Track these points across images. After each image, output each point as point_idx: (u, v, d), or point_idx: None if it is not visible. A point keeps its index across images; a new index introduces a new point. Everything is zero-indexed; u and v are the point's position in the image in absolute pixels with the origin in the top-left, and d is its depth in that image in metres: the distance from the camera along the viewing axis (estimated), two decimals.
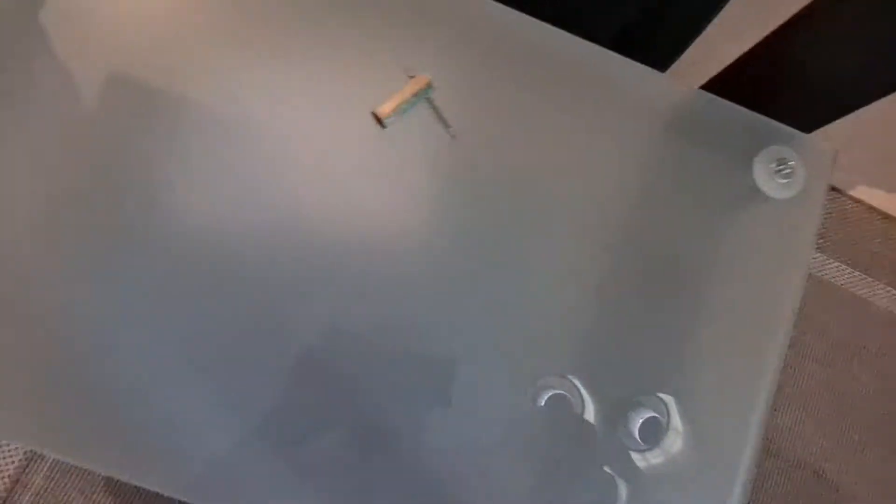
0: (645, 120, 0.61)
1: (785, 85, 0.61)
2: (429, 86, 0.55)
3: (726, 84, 0.69)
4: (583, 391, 0.54)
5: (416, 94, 0.54)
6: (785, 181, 0.59)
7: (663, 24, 0.74)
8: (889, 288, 1.46)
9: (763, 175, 0.59)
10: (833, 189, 1.55)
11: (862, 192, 1.55)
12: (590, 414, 0.54)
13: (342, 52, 0.55)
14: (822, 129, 0.66)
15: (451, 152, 0.56)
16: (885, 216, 1.54)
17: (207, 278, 0.51)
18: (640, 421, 0.55)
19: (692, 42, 0.73)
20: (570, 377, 0.54)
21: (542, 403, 0.53)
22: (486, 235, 0.56)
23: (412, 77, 0.55)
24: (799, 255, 0.59)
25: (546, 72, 0.59)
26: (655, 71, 0.61)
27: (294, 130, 0.54)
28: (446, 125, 0.55)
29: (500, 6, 0.59)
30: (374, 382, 0.52)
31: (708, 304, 0.59)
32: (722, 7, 0.67)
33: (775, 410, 1.35)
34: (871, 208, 1.54)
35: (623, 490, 0.54)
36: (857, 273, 1.47)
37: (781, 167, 0.59)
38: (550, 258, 0.56)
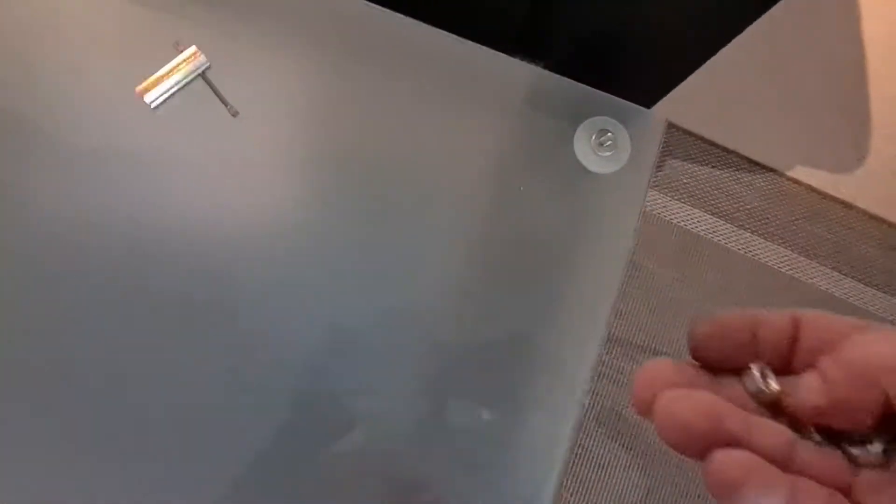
0: (467, 94, 0.57)
1: (618, 56, 0.57)
2: (200, 59, 0.51)
3: (573, 62, 0.65)
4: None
5: (186, 70, 0.50)
6: (608, 154, 0.55)
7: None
8: (828, 269, 1.42)
9: (584, 149, 0.55)
10: (771, 170, 1.50)
11: (799, 173, 1.50)
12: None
13: (100, 21, 0.51)
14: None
15: (232, 130, 0.51)
16: (825, 195, 1.50)
17: None
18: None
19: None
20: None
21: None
22: (273, 214, 0.52)
23: (181, 51, 0.50)
24: (619, 235, 0.55)
25: (346, 45, 0.55)
26: (472, 42, 0.57)
27: (49, 118, 0.50)
28: (225, 102, 0.51)
29: None
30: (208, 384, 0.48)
31: (534, 287, 0.55)
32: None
33: None
34: (811, 188, 1.50)
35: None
36: (794, 255, 1.43)
37: (603, 140, 0.55)
38: (357, 238, 0.52)
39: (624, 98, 0.58)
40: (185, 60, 0.50)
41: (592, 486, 1.30)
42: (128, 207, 0.49)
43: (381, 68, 0.56)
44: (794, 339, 0.23)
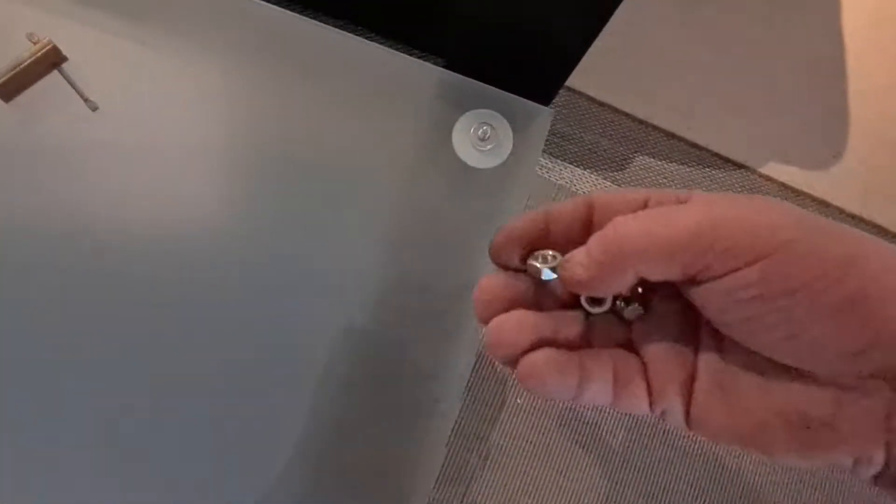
0: (352, 90, 0.55)
1: (506, 50, 0.55)
2: (57, 53, 0.49)
3: (468, 58, 0.63)
4: None
5: (39, 63, 0.49)
6: (489, 147, 0.53)
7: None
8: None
9: (462, 143, 0.53)
10: (742, 166, 1.47)
11: (772, 170, 1.47)
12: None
13: None
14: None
15: (91, 126, 0.50)
16: (799, 193, 1.46)
17: None
18: None
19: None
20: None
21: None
22: (146, 208, 0.50)
23: (36, 43, 0.49)
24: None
25: (224, 39, 0.53)
26: (355, 36, 0.55)
27: None
28: (83, 97, 0.50)
29: None
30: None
31: (412, 287, 0.53)
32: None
33: None
34: (784, 185, 1.46)
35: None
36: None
37: (482, 133, 0.53)
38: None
39: (524, 95, 0.56)
40: (38, 51, 0.49)
41: (548, 488, 1.28)
42: None
43: (261, 63, 0.54)
44: (587, 223, 0.27)
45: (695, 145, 1.48)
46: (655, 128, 1.49)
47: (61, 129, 0.49)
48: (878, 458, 0.22)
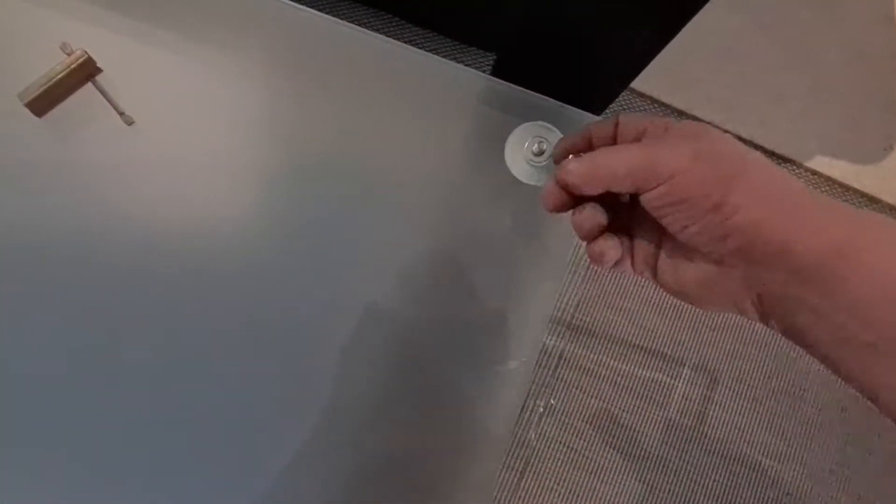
0: (404, 99, 0.52)
1: (564, 57, 0.51)
2: (92, 64, 0.47)
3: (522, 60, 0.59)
4: None
5: (73, 75, 0.46)
6: (542, 164, 0.49)
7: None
8: None
9: (515, 159, 0.50)
10: (789, 160, 1.41)
11: (819, 164, 1.40)
12: None
13: None
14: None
15: (126, 140, 0.48)
16: (847, 188, 1.40)
17: None
18: None
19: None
20: None
21: None
22: (177, 225, 0.48)
23: (69, 54, 0.47)
24: (555, 248, 0.50)
25: (264, 48, 0.51)
26: (405, 45, 0.52)
27: None
28: (119, 110, 0.47)
29: None
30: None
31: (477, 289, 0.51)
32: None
33: None
34: (831, 180, 1.40)
35: None
36: None
37: (536, 148, 0.49)
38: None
39: (576, 104, 0.52)
40: (71, 63, 0.46)
41: (582, 492, 1.25)
42: (3, 226, 0.46)
43: (302, 72, 0.51)
44: (614, 137, 0.38)
45: (737, 137, 1.42)
46: (696, 119, 1.43)
47: (96, 144, 0.47)
48: (751, 309, 0.33)
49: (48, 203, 0.47)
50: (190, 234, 0.48)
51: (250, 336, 0.47)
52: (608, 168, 0.35)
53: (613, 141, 0.38)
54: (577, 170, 0.36)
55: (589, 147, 0.40)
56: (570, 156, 0.39)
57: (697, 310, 1.28)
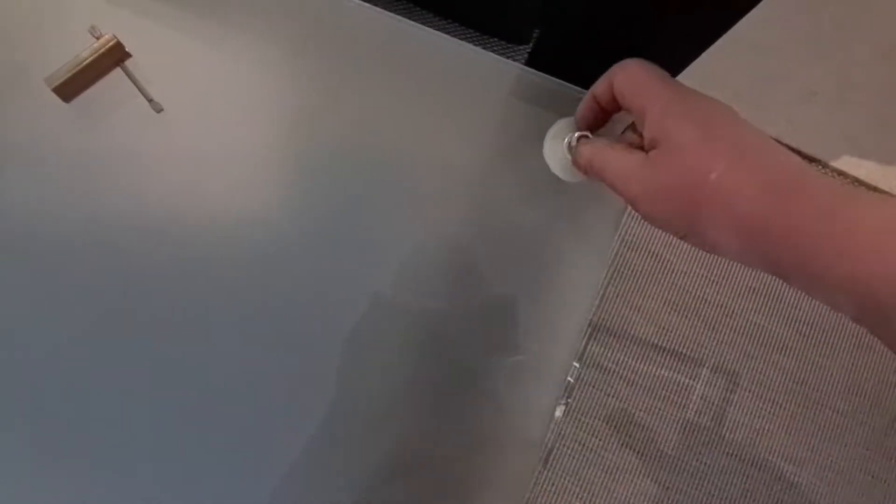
0: (440, 90, 0.50)
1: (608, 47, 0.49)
2: (121, 49, 0.45)
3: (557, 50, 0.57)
4: None
5: (102, 60, 0.45)
6: None
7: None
8: None
9: (553, 152, 0.48)
10: (814, 160, 1.38)
11: (846, 163, 1.38)
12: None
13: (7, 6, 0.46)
14: None
15: (155, 128, 0.46)
16: (873, 189, 1.37)
17: None
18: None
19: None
20: None
21: None
22: (206, 216, 0.47)
23: (98, 38, 0.45)
24: (594, 256, 0.48)
25: (296, 35, 0.49)
26: (441, 34, 0.50)
27: None
28: (147, 97, 0.46)
29: None
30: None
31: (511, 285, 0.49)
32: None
33: None
34: (857, 180, 1.37)
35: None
36: None
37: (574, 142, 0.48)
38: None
39: None
40: (100, 48, 0.45)
41: (598, 491, 1.24)
42: (29, 215, 0.45)
43: (335, 61, 0.49)
44: (615, 99, 0.40)
45: None
46: None
47: (124, 132, 0.46)
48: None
49: (74, 189, 0.46)
50: (216, 224, 0.47)
51: (275, 328, 0.46)
52: (598, 173, 0.39)
53: (615, 102, 0.40)
54: (584, 160, 0.41)
55: (601, 110, 0.43)
56: (577, 136, 0.44)
57: (717, 311, 1.27)
